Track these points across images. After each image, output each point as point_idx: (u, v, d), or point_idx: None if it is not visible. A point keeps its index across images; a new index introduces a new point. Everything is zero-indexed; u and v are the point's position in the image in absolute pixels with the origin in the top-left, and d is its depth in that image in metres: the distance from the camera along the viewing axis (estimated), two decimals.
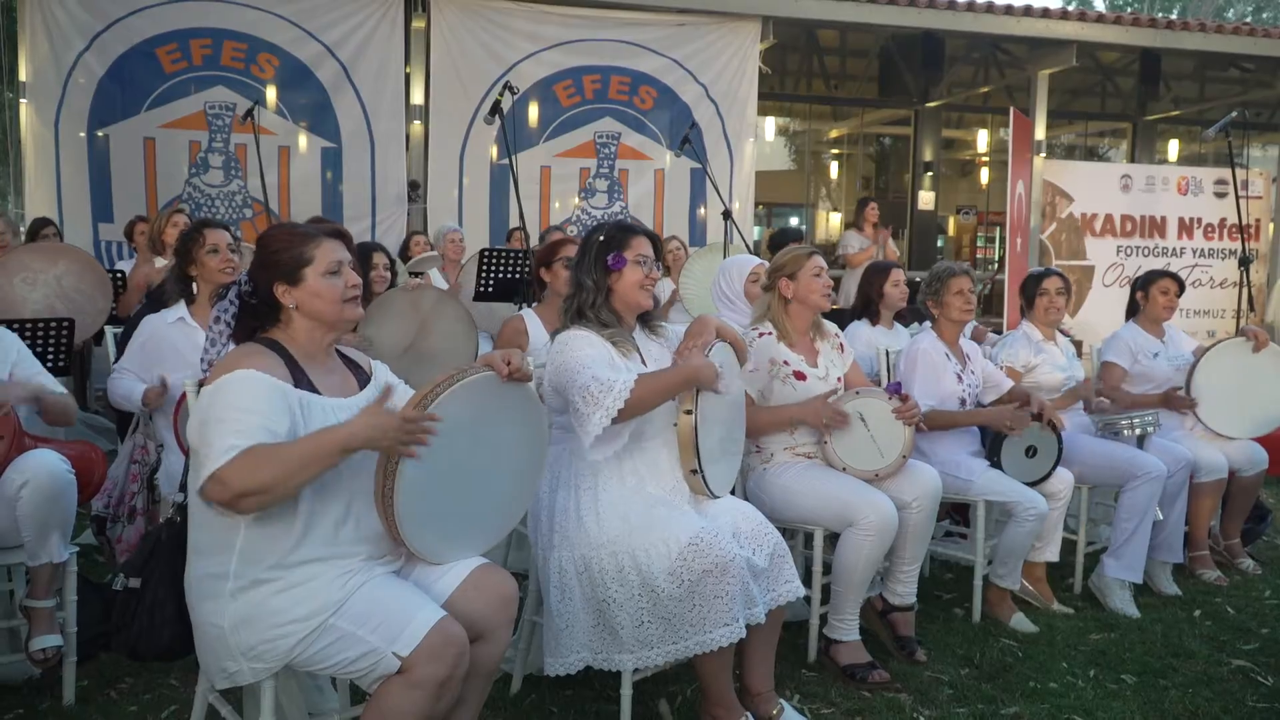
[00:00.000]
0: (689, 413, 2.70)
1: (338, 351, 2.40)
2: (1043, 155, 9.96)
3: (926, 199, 12.88)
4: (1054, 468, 3.75)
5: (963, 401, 3.78)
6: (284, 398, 2.12)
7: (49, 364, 3.78)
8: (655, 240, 2.95)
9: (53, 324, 3.92)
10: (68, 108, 7.86)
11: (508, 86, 5.58)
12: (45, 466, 2.66)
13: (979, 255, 14.90)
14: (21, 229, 7.19)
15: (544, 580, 2.79)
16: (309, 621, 2.09)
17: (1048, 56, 10.06)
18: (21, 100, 7.91)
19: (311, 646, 2.10)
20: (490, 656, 2.30)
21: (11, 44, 8.10)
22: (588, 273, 2.87)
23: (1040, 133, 9.98)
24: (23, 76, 7.88)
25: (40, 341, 3.82)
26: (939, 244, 13.99)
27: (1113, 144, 15.47)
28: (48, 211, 7.64)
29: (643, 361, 2.87)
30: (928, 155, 12.98)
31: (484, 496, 2.37)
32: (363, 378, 2.39)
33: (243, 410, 2.05)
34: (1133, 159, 13.70)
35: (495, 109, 5.39)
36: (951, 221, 15.16)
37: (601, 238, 2.89)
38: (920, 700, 3.10)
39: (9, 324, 3.51)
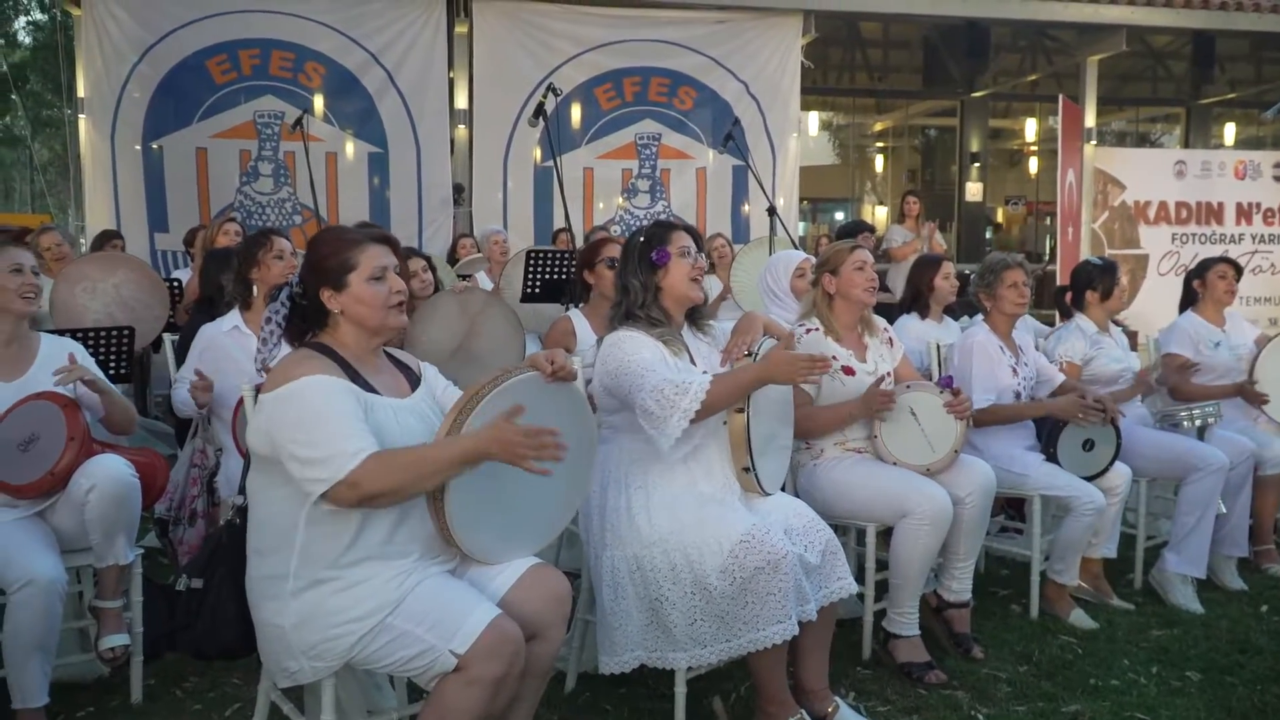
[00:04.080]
0: (741, 411, 2.69)
1: (386, 353, 2.43)
2: (1093, 143, 9.80)
3: (974, 190, 12.74)
4: (1112, 461, 3.69)
5: (1018, 395, 3.72)
6: (356, 399, 2.17)
7: (110, 371, 3.87)
8: (695, 234, 2.95)
9: (113, 332, 4.00)
10: (123, 121, 8.04)
11: (551, 88, 5.61)
12: (111, 471, 2.73)
13: (1028, 247, 14.69)
14: (82, 240, 7.37)
15: (596, 579, 2.80)
16: (367, 620, 2.12)
17: (1097, 42, 9.90)
18: (80, 115, 8.12)
19: (370, 645, 2.13)
20: (545, 655, 2.31)
21: (70, 62, 8.31)
22: (634, 274, 2.88)
23: (1090, 120, 9.83)
24: (81, 92, 8.08)
25: (101, 350, 3.90)
26: (988, 235, 13.82)
27: (1165, 129, 15.18)
28: (106, 223, 7.82)
29: (691, 360, 2.87)
30: (975, 146, 12.84)
31: (534, 497, 2.38)
32: (413, 379, 2.42)
33: (337, 413, 2.10)
34: (1187, 144, 13.43)
35: (539, 111, 5.43)
36: (1000, 212, 14.97)
37: (642, 238, 2.91)
38: (978, 698, 3.07)
39: (72, 333, 3.61)
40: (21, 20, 18.28)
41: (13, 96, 18.84)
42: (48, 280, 4.94)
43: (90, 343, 3.81)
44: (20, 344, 2.95)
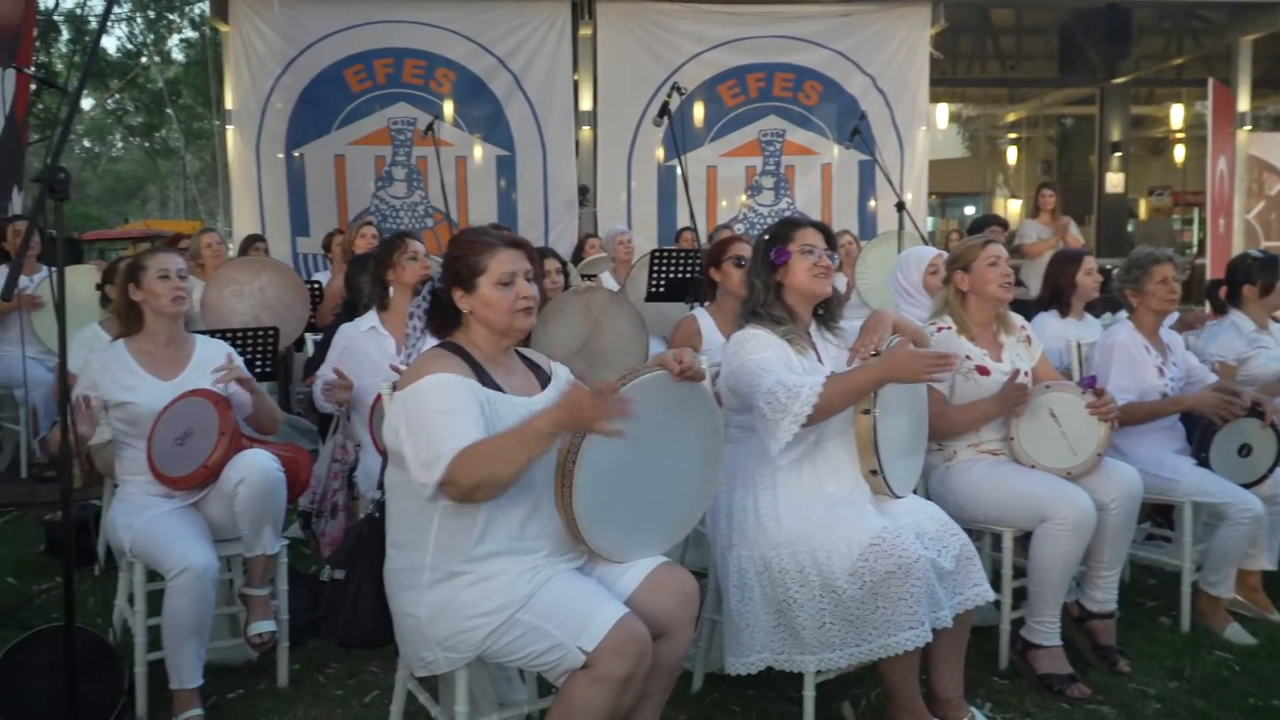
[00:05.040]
0: (867, 412, 2.63)
1: (518, 353, 2.47)
2: (1247, 128, 9.24)
3: (1115, 181, 12.17)
4: (1273, 468, 3.46)
5: (1165, 397, 3.54)
6: (474, 394, 2.21)
7: (256, 370, 4.06)
8: (825, 231, 2.90)
9: (259, 332, 4.20)
10: (267, 131, 8.42)
11: (675, 87, 5.61)
12: (258, 465, 2.87)
13: (1176, 239, 13.97)
14: (230, 245, 7.76)
15: (723, 579, 2.78)
16: (498, 615, 2.17)
17: (1251, 21, 9.33)
18: (228, 126, 8.54)
19: (501, 639, 2.17)
20: (672, 654, 2.31)
21: (220, 76, 8.76)
22: (756, 273, 2.87)
23: (1244, 104, 9.28)
24: (228, 105, 8.51)
25: (249, 349, 4.10)
26: (1129, 228, 13.21)
27: None
28: (252, 228, 8.21)
29: (819, 359, 2.83)
30: (1115, 135, 12.26)
31: (662, 495, 2.38)
32: (543, 378, 2.45)
33: (446, 413, 2.15)
34: None
35: (664, 110, 5.43)
36: (1143, 204, 14.28)
37: (767, 236, 2.90)
38: (1125, 714, 2.93)
39: (222, 334, 3.81)
40: (175, 38, 19.38)
41: (168, 110, 19.97)
42: (198, 282, 5.23)
43: (238, 343, 4.01)
44: (176, 345, 3.12)
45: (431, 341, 2.40)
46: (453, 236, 2.46)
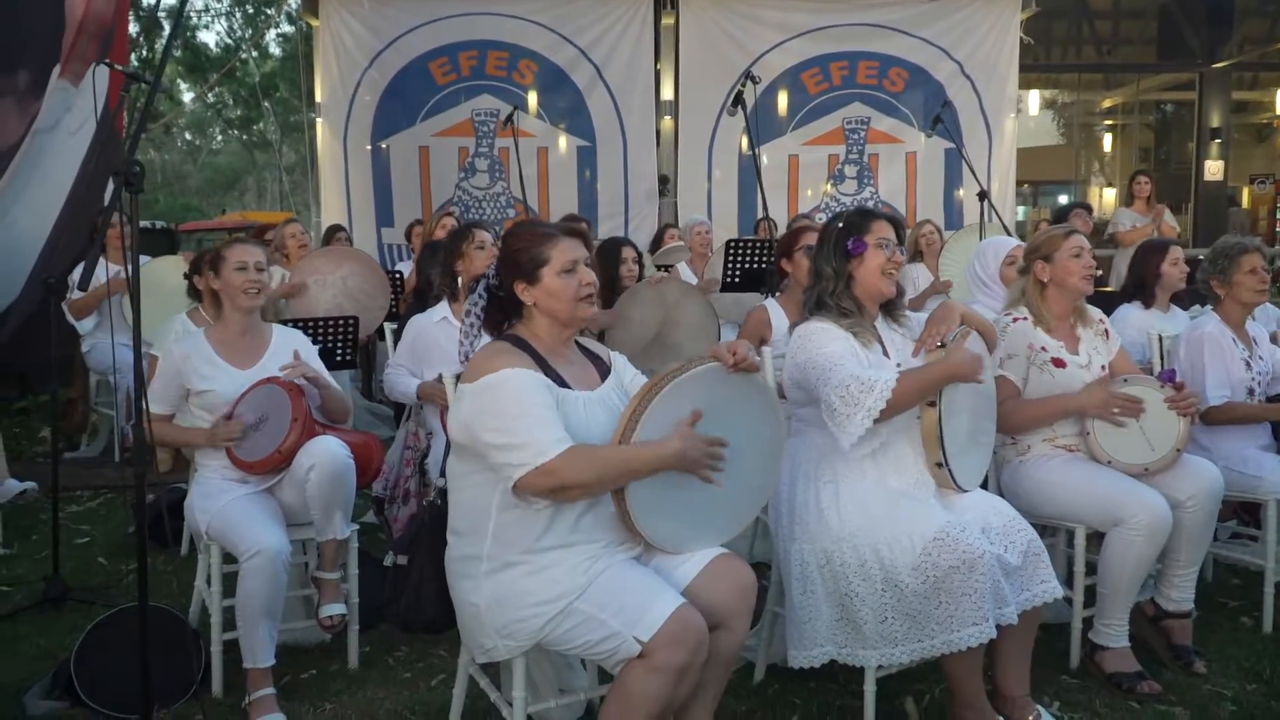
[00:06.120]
0: (932, 405, 2.60)
1: (576, 343, 2.48)
2: None
3: (1214, 169, 11.70)
4: None
5: (1251, 391, 3.41)
6: (550, 393, 2.24)
7: (337, 358, 4.18)
8: (897, 224, 2.86)
9: (340, 321, 4.31)
10: (354, 123, 8.62)
11: (750, 77, 5.58)
12: (329, 452, 2.94)
13: (1278, 229, 13.36)
14: (316, 235, 7.97)
15: (785, 572, 2.77)
16: (555, 604, 2.19)
17: None
18: (318, 119, 8.77)
19: (558, 628, 2.20)
20: (729, 645, 2.31)
21: (311, 70, 8.99)
22: (827, 260, 2.83)
23: None
24: (318, 97, 8.73)
25: (330, 338, 4.21)
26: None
27: None
28: (339, 219, 8.41)
29: (885, 352, 2.80)
30: (1215, 121, 11.78)
31: (721, 489, 2.37)
32: (603, 369, 2.47)
33: (537, 406, 2.18)
34: None
35: (738, 100, 5.40)
36: (1245, 193, 13.69)
37: (841, 224, 2.85)
38: (1199, 716, 2.84)
39: (305, 323, 3.92)
40: (272, 33, 19.98)
41: (265, 104, 20.60)
42: (280, 270, 5.38)
43: (320, 332, 4.12)
44: (253, 335, 3.22)
45: (488, 339, 2.42)
46: (506, 232, 2.47)
